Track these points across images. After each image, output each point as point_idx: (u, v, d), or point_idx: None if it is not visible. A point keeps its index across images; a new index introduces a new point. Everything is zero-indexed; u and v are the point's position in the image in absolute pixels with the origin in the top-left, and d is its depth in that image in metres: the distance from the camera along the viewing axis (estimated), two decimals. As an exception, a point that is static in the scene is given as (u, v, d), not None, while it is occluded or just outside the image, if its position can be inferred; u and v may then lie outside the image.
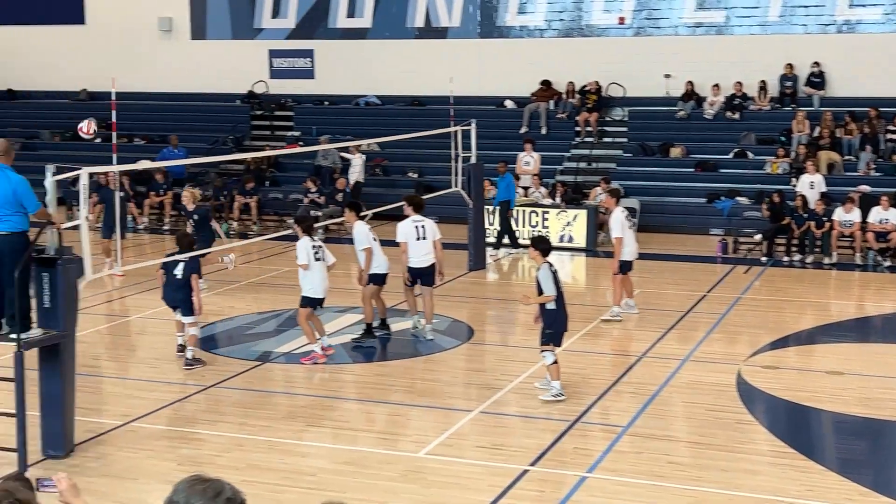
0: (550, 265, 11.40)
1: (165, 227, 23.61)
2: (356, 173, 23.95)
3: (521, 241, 20.50)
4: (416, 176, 25.64)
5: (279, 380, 12.45)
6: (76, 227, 10.55)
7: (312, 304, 12.86)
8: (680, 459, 9.75)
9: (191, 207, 16.41)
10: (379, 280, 13.79)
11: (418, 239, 13.96)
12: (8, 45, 31.21)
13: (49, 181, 9.58)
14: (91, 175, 11.83)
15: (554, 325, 11.39)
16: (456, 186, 19.19)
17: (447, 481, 9.22)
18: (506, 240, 20.91)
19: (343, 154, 24.53)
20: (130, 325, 15.19)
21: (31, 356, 9.50)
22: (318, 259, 12.81)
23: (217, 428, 10.59)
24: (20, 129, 29.51)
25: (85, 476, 9.07)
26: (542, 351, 11.40)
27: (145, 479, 9.22)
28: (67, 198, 22.59)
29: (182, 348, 12.69)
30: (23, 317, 9.24)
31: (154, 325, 13.79)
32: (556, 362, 11.31)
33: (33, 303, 9.53)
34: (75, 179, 10.52)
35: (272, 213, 24.49)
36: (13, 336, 9.18)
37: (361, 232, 13.65)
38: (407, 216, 14.18)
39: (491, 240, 20.82)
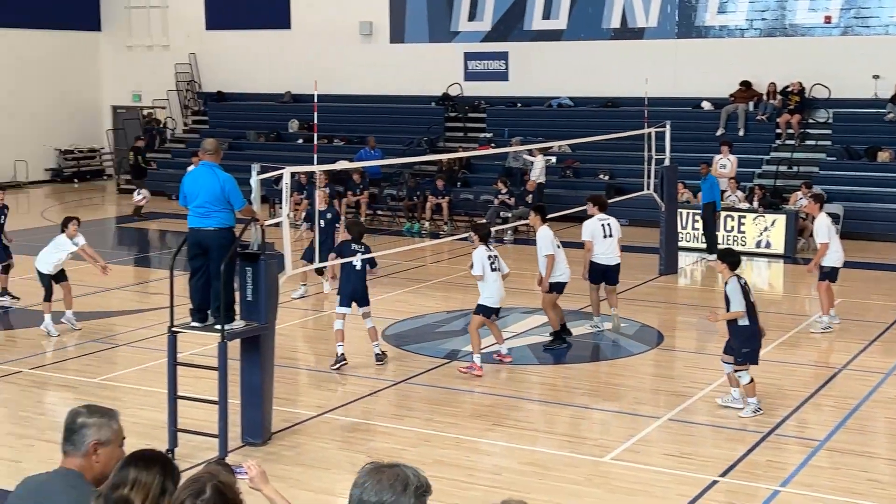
0: (739, 278, 11.02)
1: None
2: (537, 175, 23.93)
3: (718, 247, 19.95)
4: (607, 178, 25.42)
5: (465, 378, 12.59)
6: (278, 224, 11.00)
7: (487, 312, 12.74)
8: (880, 477, 9.31)
9: (322, 207, 16.85)
10: (559, 288, 13.72)
11: (605, 237, 14.19)
12: (219, 49, 32.81)
13: (254, 179, 10.04)
14: (293, 174, 12.30)
15: (749, 343, 10.92)
16: (648, 189, 18.92)
17: (633, 487, 9.11)
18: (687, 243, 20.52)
19: (525, 155, 24.58)
20: (327, 320, 15.68)
21: (234, 347, 9.95)
22: (493, 269, 12.66)
23: (405, 423, 10.82)
24: (228, 130, 31.03)
25: (280, 464, 9.46)
26: (738, 371, 11.00)
27: (337, 470, 9.51)
28: (270, 196, 23.58)
29: (342, 359, 12.64)
30: (227, 309, 9.67)
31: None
32: (752, 380, 10.94)
33: (237, 296, 10.00)
34: (278, 178, 10.96)
35: (463, 214, 24.81)
36: (218, 327, 9.63)
37: (545, 237, 13.54)
38: (591, 216, 14.32)
39: (691, 245, 20.46)
